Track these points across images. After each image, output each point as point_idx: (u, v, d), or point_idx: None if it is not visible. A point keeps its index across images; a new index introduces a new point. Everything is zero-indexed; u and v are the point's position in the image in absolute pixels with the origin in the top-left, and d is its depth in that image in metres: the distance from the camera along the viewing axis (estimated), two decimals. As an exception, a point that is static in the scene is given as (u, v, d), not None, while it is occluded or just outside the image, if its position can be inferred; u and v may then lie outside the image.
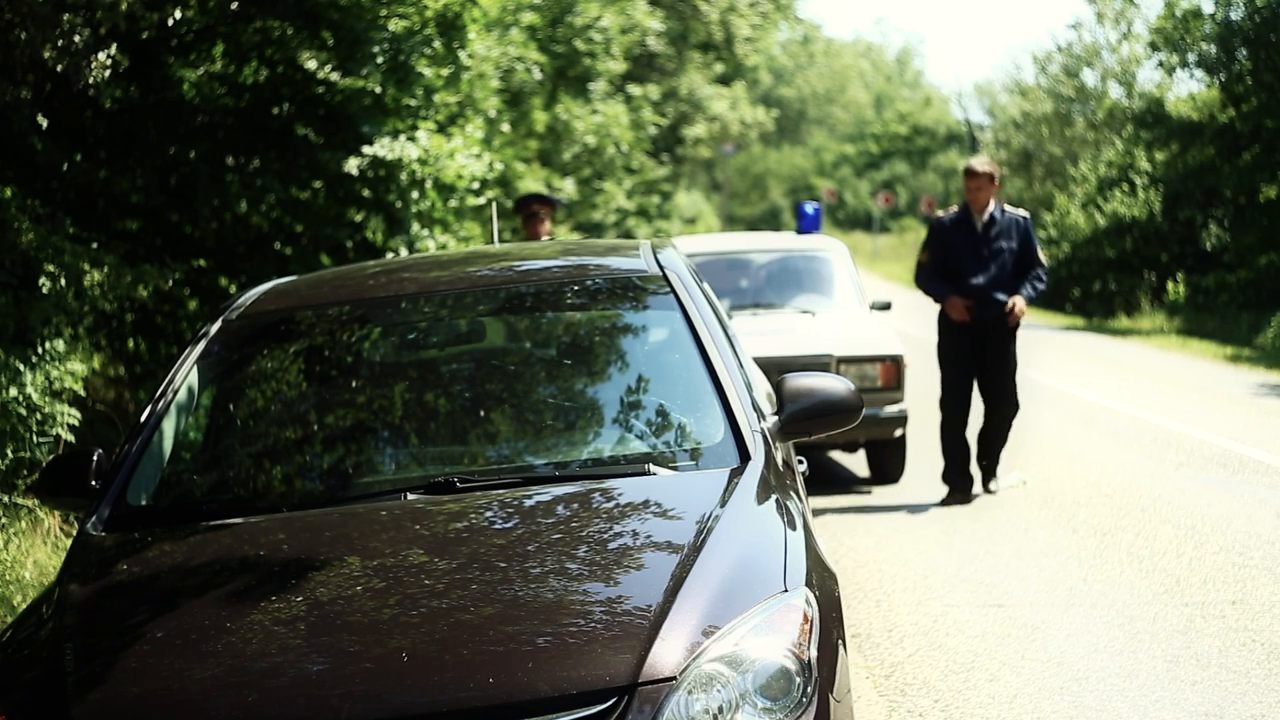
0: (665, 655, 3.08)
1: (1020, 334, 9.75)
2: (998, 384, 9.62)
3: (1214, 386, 15.58)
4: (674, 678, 3.05)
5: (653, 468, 3.94)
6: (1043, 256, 9.64)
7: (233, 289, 11.10)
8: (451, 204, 12.19)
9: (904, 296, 20.51)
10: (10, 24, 8.26)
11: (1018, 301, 9.42)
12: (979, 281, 9.45)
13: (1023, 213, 9.66)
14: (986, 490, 9.79)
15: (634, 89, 27.77)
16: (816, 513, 7.49)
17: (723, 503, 3.69)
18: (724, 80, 38.22)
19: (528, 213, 10.21)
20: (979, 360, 9.59)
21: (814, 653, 3.22)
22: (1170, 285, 26.02)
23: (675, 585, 3.26)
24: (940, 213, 9.87)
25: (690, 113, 35.41)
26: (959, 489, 9.64)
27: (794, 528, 3.69)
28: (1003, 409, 9.65)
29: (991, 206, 9.51)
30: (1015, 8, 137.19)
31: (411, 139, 11.44)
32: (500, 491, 3.88)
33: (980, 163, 9.60)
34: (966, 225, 9.53)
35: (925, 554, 8.12)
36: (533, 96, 20.58)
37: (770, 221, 68.33)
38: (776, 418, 4.21)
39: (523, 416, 4.38)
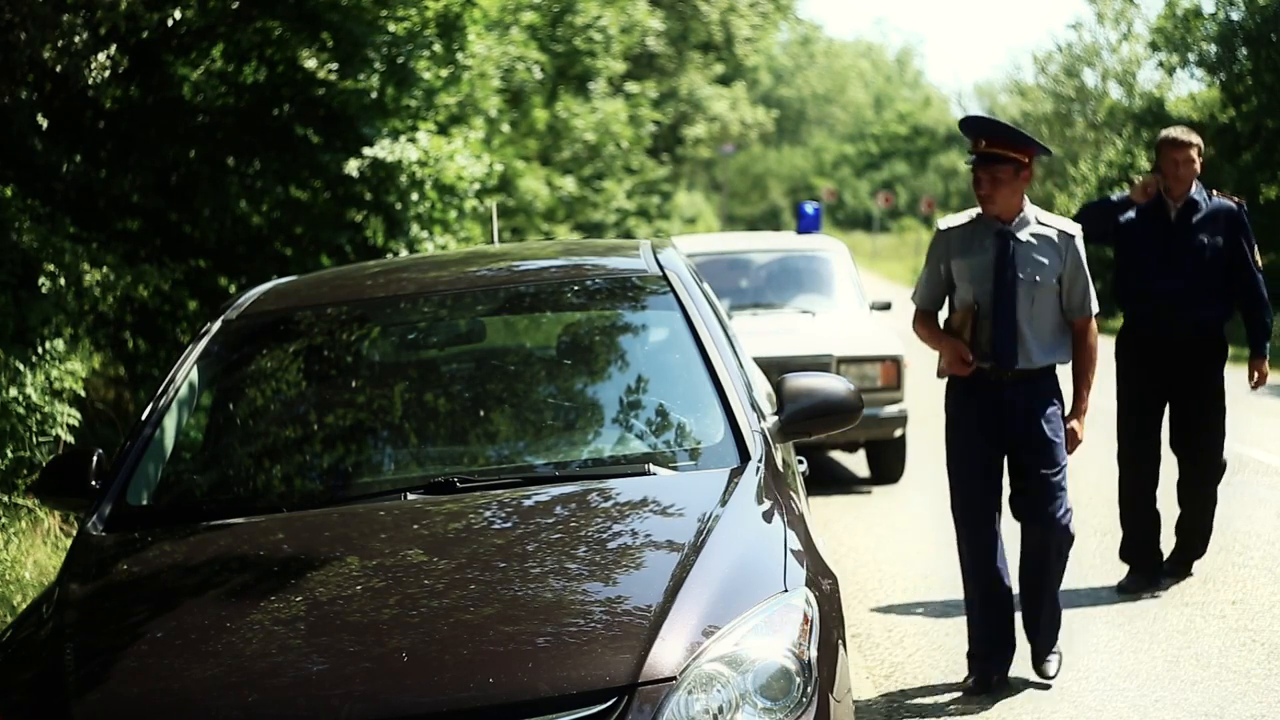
0: (665, 655, 3.07)
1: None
2: (1194, 432, 7.06)
3: (1214, 386, 15.55)
4: (674, 678, 3.05)
5: (653, 468, 3.93)
6: (1259, 259, 7.00)
7: (233, 289, 11.10)
8: (452, 207, 12.18)
9: (904, 296, 20.39)
10: (10, 24, 8.27)
11: (1260, 368, 7.15)
12: (1169, 288, 6.92)
13: (1234, 200, 7.03)
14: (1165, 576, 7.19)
15: (632, 87, 27.74)
16: (816, 513, 7.48)
17: (723, 503, 3.68)
18: (724, 80, 38.19)
19: (980, 155, 5.43)
20: (1169, 398, 7.09)
21: (814, 653, 3.22)
22: (1171, 285, 25.98)
23: (675, 585, 3.26)
24: (1118, 195, 7.22)
25: (690, 113, 35.38)
26: (1142, 567, 7.10)
27: (794, 528, 3.69)
28: (1200, 468, 7.08)
29: (1193, 189, 6.94)
30: (1015, 8, 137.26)
31: (411, 140, 11.44)
32: (500, 491, 3.87)
33: (1184, 131, 6.96)
34: (1156, 212, 6.97)
35: (925, 554, 8.11)
36: (533, 95, 20.60)
37: (770, 221, 68.25)
38: (776, 418, 4.21)
39: (522, 416, 4.39)
